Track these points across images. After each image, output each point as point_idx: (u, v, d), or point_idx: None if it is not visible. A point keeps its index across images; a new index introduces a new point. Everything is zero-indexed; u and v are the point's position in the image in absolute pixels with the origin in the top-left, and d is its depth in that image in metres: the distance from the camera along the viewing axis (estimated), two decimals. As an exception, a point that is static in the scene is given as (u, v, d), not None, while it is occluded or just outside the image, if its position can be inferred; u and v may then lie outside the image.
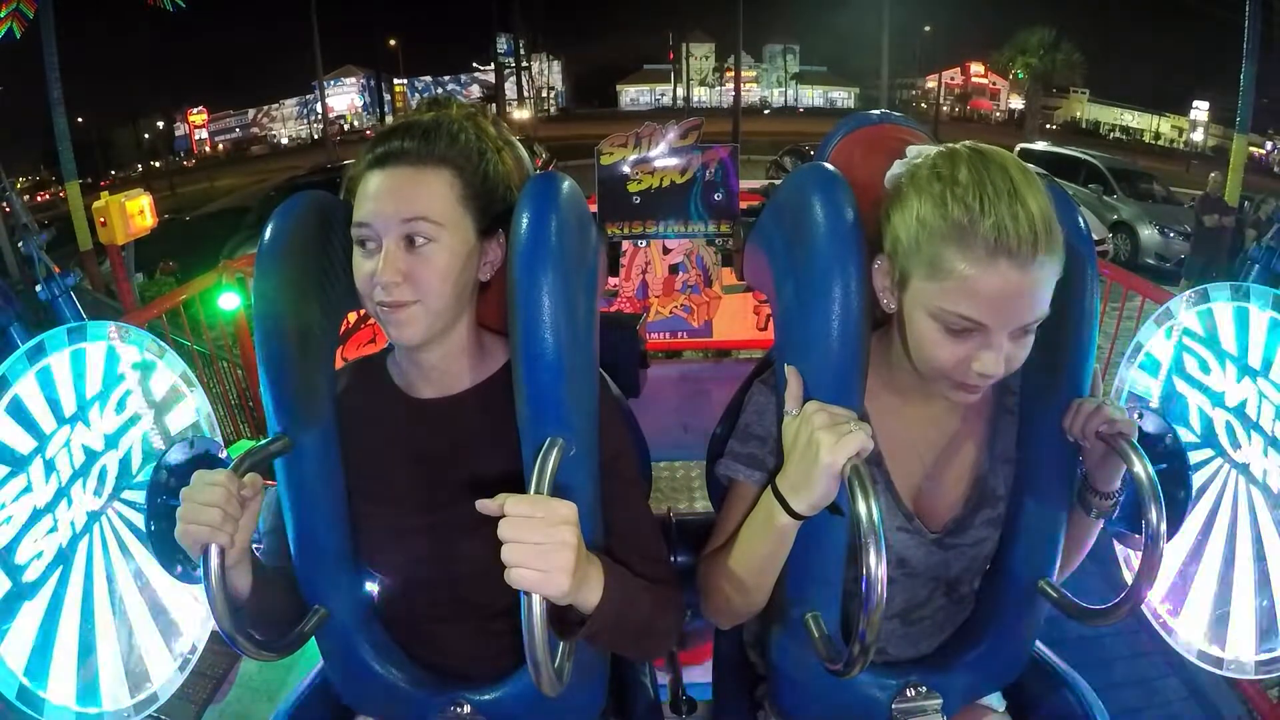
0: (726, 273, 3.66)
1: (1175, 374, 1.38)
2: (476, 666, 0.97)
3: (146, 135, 36.41)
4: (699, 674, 1.35)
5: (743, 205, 3.38)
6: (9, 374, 1.38)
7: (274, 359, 0.90)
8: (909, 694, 0.98)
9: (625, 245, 3.60)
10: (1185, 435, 1.32)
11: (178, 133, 38.37)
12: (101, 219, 4.69)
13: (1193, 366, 1.35)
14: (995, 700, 1.10)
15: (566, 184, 0.89)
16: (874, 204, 0.89)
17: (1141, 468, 0.83)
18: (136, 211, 4.79)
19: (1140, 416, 1.27)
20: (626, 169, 3.42)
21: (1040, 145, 13.37)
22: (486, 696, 0.95)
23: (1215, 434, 1.29)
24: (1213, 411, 1.30)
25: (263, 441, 0.89)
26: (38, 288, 1.69)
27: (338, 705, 1.04)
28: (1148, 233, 10.02)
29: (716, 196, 3.37)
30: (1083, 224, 0.91)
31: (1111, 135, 34.56)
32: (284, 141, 41.12)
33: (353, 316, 1.01)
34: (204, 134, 38.62)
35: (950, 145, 0.85)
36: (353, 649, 0.97)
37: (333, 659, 0.99)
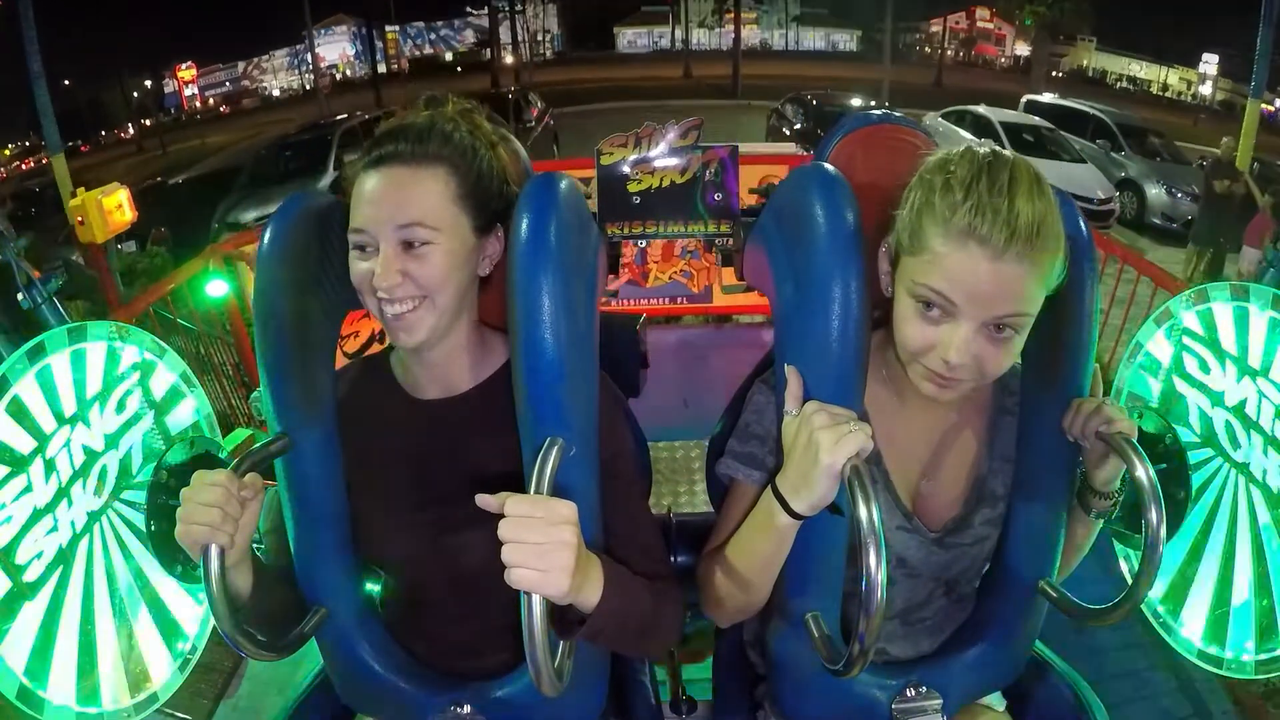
0: (727, 273, 3.64)
1: (1175, 374, 1.38)
2: (476, 666, 0.97)
3: (135, 94, 34.56)
4: (699, 674, 1.35)
5: (743, 206, 3.37)
6: (9, 374, 1.38)
7: (274, 360, 0.90)
8: (909, 694, 0.98)
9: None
10: (1185, 435, 1.32)
11: (166, 89, 36.99)
12: (79, 218, 4.37)
13: (1193, 366, 1.35)
14: (995, 700, 1.10)
15: (566, 184, 0.89)
16: (874, 203, 0.89)
17: (1141, 468, 0.83)
18: (114, 207, 4.46)
19: (1140, 416, 1.27)
20: (626, 169, 3.40)
21: (1047, 97, 12.67)
22: (486, 696, 0.95)
23: (1215, 434, 1.29)
24: (1213, 411, 1.29)
25: (263, 441, 0.90)
26: (19, 296, 1.62)
27: (341, 704, 1.04)
28: (1155, 192, 9.57)
29: (716, 196, 3.37)
30: (1083, 226, 0.91)
31: (1119, 85, 33.34)
32: (275, 94, 39.80)
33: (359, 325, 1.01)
34: (193, 90, 37.38)
35: (976, 147, 0.85)
36: (353, 649, 0.97)
37: (332, 659, 0.99)
